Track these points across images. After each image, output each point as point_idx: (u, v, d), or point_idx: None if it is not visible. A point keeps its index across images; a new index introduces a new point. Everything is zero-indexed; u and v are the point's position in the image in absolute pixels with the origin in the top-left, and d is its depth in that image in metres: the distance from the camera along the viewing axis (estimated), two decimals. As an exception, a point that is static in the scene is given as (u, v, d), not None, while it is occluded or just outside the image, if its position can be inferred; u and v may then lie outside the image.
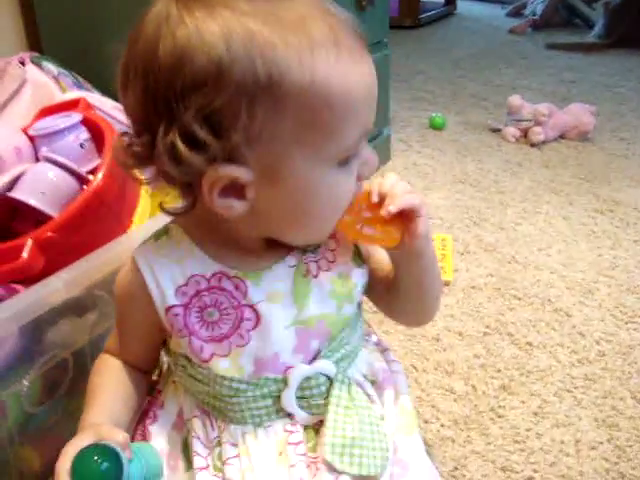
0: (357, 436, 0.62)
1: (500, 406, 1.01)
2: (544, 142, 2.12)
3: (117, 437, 0.58)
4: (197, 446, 0.65)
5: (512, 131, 2.16)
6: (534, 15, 4.08)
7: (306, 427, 0.65)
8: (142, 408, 0.72)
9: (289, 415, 0.64)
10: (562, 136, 2.18)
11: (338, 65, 0.52)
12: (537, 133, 2.11)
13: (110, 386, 0.68)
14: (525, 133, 2.15)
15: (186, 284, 0.62)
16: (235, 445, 0.64)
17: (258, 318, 0.62)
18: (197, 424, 0.66)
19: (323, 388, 0.64)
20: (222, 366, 0.62)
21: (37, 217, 0.86)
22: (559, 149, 2.11)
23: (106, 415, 0.65)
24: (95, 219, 0.87)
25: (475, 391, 1.04)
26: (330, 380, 0.64)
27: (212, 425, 0.66)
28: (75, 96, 1.04)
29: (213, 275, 0.62)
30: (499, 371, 1.09)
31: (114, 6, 1.35)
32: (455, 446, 0.94)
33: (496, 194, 1.78)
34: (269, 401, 0.63)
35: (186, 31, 0.50)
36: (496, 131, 2.24)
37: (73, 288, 0.80)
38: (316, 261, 0.65)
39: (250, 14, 0.51)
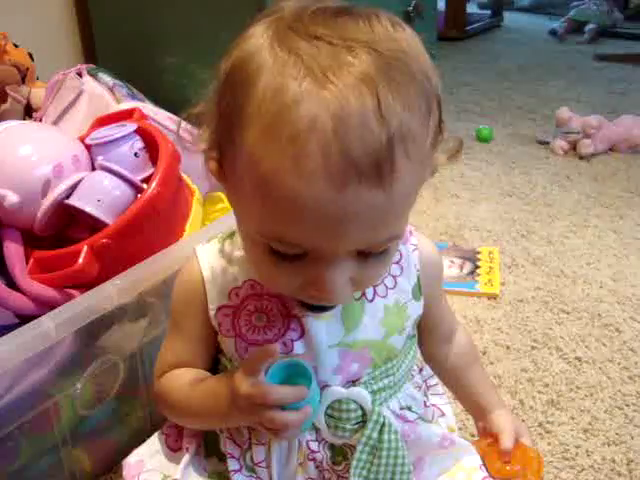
0: (380, 478, 0.63)
1: (548, 422, 1.00)
2: (593, 155, 2.09)
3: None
4: (230, 446, 0.65)
5: (560, 143, 2.13)
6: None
7: (332, 445, 0.65)
8: None
9: (316, 429, 0.64)
10: (612, 149, 2.14)
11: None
12: (586, 146, 2.08)
13: (193, 376, 0.67)
14: (574, 146, 2.12)
15: (240, 287, 0.63)
16: (264, 445, 0.64)
17: (303, 331, 0.62)
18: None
19: (352, 414, 0.63)
20: None
21: (92, 224, 0.88)
22: (609, 162, 2.07)
23: None
24: (148, 227, 0.88)
25: (522, 406, 1.03)
26: (362, 409, 0.63)
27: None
28: (129, 106, 1.06)
29: None
30: (547, 386, 1.07)
31: (167, 21, 1.38)
32: (502, 461, 0.93)
33: (544, 207, 1.76)
34: None
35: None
36: (544, 143, 2.21)
37: (125, 295, 0.82)
38: (374, 285, 0.64)
39: None
